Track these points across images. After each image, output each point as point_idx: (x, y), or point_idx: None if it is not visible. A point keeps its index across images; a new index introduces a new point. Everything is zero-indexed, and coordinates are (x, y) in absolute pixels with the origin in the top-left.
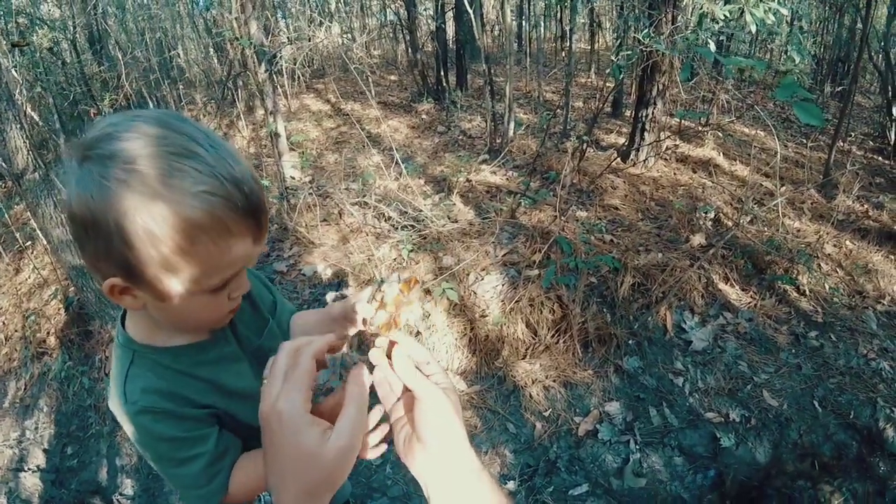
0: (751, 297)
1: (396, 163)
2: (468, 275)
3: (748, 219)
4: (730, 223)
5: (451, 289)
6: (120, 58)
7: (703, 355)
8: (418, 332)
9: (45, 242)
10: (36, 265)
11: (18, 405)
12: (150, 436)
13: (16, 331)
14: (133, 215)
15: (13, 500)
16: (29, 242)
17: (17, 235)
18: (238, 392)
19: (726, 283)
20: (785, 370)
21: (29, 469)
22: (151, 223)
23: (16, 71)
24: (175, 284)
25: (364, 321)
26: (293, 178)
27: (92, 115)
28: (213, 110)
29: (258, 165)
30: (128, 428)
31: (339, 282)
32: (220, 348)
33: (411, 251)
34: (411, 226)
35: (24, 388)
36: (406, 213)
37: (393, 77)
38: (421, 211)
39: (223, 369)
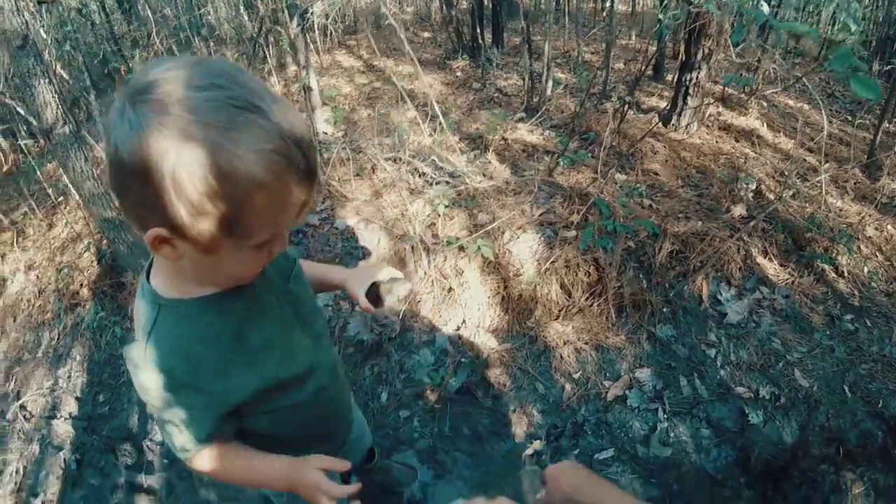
0: (789, 273)
1: (431, 119)
2: (503, 233)
3: (790, 193)
4: (771, 196)
5: (487, 246)
6: (150, 16)
7: (737, 328)
8: (451, 289)
9: (77, 197)
10: (69, 220)
11: (52, 355)
12: (157, 395)
13: (49, 284)
14: (190, 167)
15: (45, 447)
16: (61, 198)
17: (50, 192)
18: (262, 345)
19: (765, 258)
20: (818, 351)
21: (61, 416)
22: (210, 177)
23: (44, 30)
24: (224, 239)
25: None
26: (325, 132)
27: (122, 73)
28: (244, 67)
29: None
30: (138, 378)
31: (370, 237)
32: (247, 297)
33: (446, 207)
34: (446, 182)
35: (58, 339)
36: (441, 168)
37: (426, 34)
38: (456, 167)
39: (249, 319)
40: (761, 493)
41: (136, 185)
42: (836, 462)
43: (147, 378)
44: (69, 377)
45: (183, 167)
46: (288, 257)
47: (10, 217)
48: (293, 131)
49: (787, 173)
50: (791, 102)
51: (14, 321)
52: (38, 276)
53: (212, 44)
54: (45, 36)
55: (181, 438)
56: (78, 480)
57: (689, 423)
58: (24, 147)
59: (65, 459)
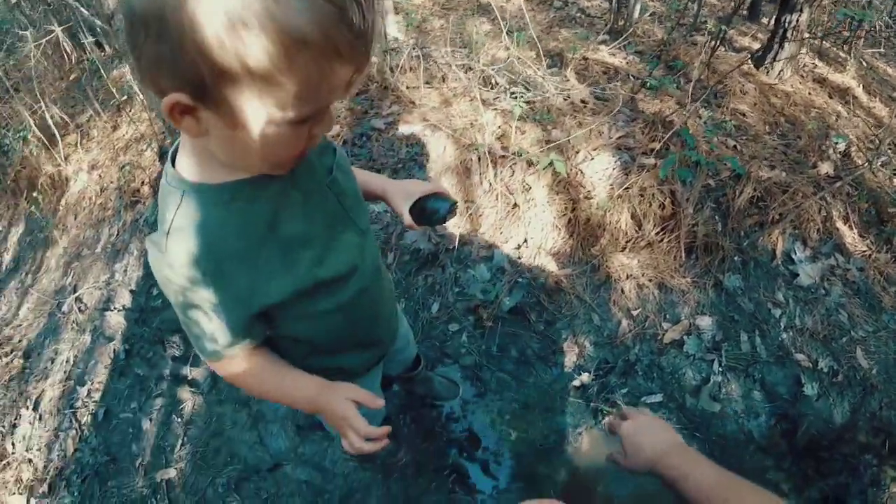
0: (867, 245)
1: (508, 31)
2: (577, 152)
3: (880, 161)
4: (860, 161)
5: (559, 160)
6: None
7: (806, 292)
8: (515, 205)
9: (141, 97)
10: (133, 119)
11: (110, 250)
12: (179, 290)
13: (111, 182)
14: (217, 13)
15: (96, 338)
16: (125, 98)
17: (115, 94)
18: (299, 239)
19: (845, 224)
20: (883, 333)
21: (115, 308)
22: (241, 27)
23: None
24: (255, 109)
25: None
26: (396, 38)
27: None
28: None
29: None
30: (160, 270)
31: (436, 144)
32: (284, 183)
33: (519, 119)
34: (521, 94)
35: (117, 234)
36: (516, 80)
37: None
38: (531, 81)
39: (286, 208)
40: (801, 469)
41: (151, 39)
42: (880, 454)
43: (169, 270)
44: (125, 271)
45: (204, 12)
46: (329, 144)
47: (75, 120)
48: None
49: (880, 140)
50: (890, 70)
51: (75, 219)
52: (100, 175)
53: None
54: None
55: (204, 340)
56: (125, 370)
57: (742, 381)
58: (88, 47)
59: (114, 350)
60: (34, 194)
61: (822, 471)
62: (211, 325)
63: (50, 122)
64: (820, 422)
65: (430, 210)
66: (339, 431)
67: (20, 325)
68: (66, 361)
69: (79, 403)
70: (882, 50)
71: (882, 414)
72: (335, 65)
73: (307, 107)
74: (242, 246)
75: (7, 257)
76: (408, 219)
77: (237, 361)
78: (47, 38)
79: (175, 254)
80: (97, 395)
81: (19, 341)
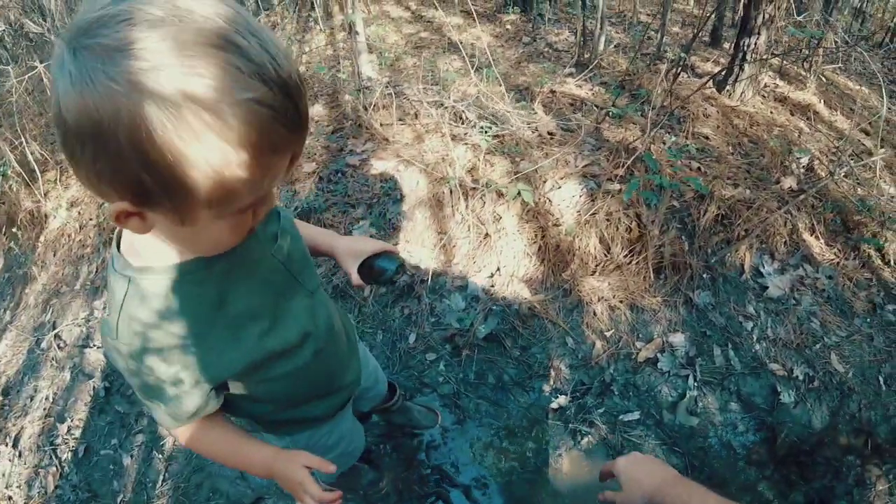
0: (834, 254)
1: (477, 68)
2: (545, 181)
3: (843, 172)
4: (823, 173)
5: (527, 190)
6: None
7: (776, 303)
8: (487, 235)
9: None
10: None
11: (89, 287)
12: (133, 374)
13: (90, 219)
14: (154, 129)
15: (76, 374)
16: None
17: None
18: (247, 314)
19: (811, 235)
20: (857, 337)
21: (94, 345)
22: (177, 140)
23: None
24: (201, 209)
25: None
26: (370, 77)
27: None
28: (292, 14)
29: (335, 66)
30: (112, 356)
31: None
32: (228, 260)
33: (488, 152)
34: (489, 128)
35: (96, 272)
36: (485, 115)
37: None
38: (500, 115)
39: (232, 285)
40: (784, 476)
41: (87, 153)
42: (862, 454)
43: (120, 354)
44: (104, 308)
45: (140, 128)
46: (273, 209)
47: (55, 157)
48: (278, 71)
49: (841, 151)
50: (850, 84)
51: (54, 255)
52: (79, 212)
53: None
54: None
55: (159, 412)
56: (105, 407)
57: (718, 394)
58: None
59: (94, 387)
60: (13, 230)
61: (806, 475)
62: (166, 401)
63: (30, 157)
64: (799, 428)
65: (378, 270)
66: (295, 496)
67: None
68: (46, 398)
69: (59, 440)
70: (840, 65)
71: (861, 415)
72: (273, 159)
73: (249, 199)
74: (191, 327)
75: None
76: (356, 278)
77: (194, 430)
78: (29, 75)
79: (126, 338)
80: (77, 432)
81: None
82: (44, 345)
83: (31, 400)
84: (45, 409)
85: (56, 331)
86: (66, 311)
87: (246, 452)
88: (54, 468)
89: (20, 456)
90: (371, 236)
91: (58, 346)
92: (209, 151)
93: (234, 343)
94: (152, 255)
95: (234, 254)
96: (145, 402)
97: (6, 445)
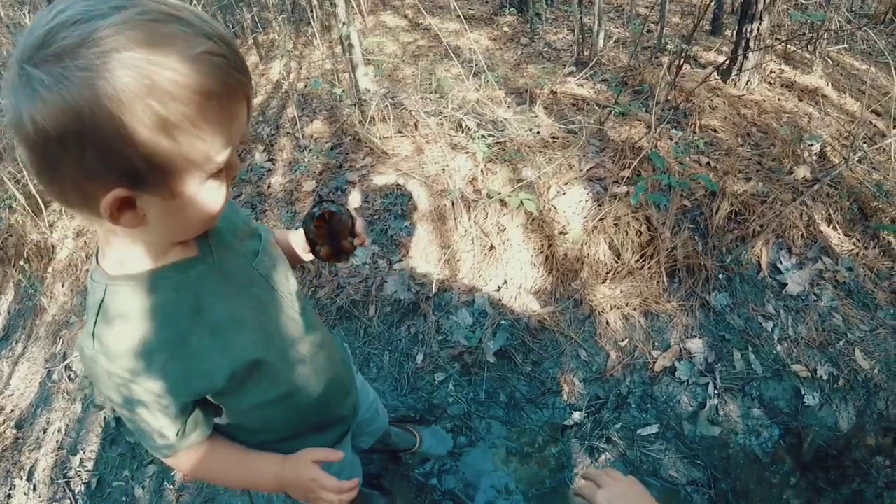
0: (853, 244)
1: (476, 73)
2: (549, 188)
3: (857, 157)
4: (837, 159)
5: (530, 199)
6: None
7: (796, 301)
8: (492, 247)
9: None
10: None
11: None
12: (113, 389)
13: (97, 248)
14: (132, 101)
15: (87, 405)
16: None
17: None
18: (228, 320)
19: (828, 225)
20: (881, 331)
21: None
22: (156, 104)
23: None
24: (189, 172)
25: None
26: (368, 90)
27: None
28: (289, 30)
29: (333, 79)
30: (91, 371)
31: (409, 192)
32: (206, 266)
33: (487, 161)
34: (490, 135)
35: None
36: (485, 122)
37: None
38: (500, 121)
39: (207, 291)
40: (811, 482)
41: (73, 152)
42: (892, 455)
43: (99, 369)
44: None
45: (121, 106)
46: (255, 229)
47: None
48: (217, 29)
49: (853, 135)
50: (857, 64)
51: (62, 286)
52: (85, 242)
53: (255, 9)
54: None
55: (153, 436)
56: (116, 438)
57: (740, 400)
58: None
59: (104, 418)
60: (21, 263)
61: (834, 480)
62: (155, 420)
63: (34, 190)
64: (825, 431)
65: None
66: (311, 495)
67: (12, 395)
68: (59, 430)
69: (72, 473)
70: (846, 45)
71: (889, 412)
72: (235, 104)
73: (224, 152)
74: (169, 333)
75: None
76: (302, 242)
77: (193, 453)
78: None
79: (105, 348)
80: (90, 464)
81: (11, 411)
82: (55, 376)
83: (44, 433)
84: (57, 442)
85: (66, 362)
86: (75, 342)
87: (253, 467)
88: (68, 501)
89: (35, 489)
90: (374, 254)
91: (68, 377)
92: (184, 107)
93: (216, 350)
94: (128, 263)
95: (211, 261)
96: (134, 427)
97: (21, 479)
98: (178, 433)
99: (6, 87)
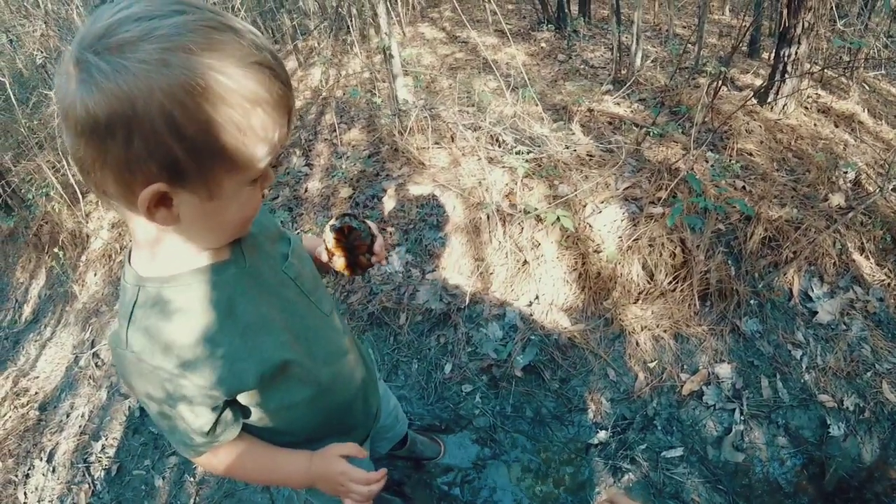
0: (885, 273)
1: (513, 89)
2: (585, 206)
3: (891, 186)
4: (871, 188)
5: (566, 216)
6: None
7: (826, 329)
8: (525, 262)
9: None
10: None
11: None
12: (144, 389)
13: (131, 240)
14: (181, 98)
15: (113, 394)
16: None
17: None
18: (258, 322)
19: (861, 254)
20: None
21: None
22: (206, 105)
23: None
24: (229, 175)
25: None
26: (406, 100)
27: None
28: (328, 38)
29: (371, 88)
30: (122, 370)
31: (445, 204)
32: (238, 267)
33: (525, 176)
34: (527, 150)
35: None
36: (522, 137)
37: (510, 5)
38: (537, 136)
39: (239, 292)
40: None
41: (120, 140)
42: None
43: (131, 369)
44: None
45: (173, 100)
46: (284, 233)
47: None
48: (266, 43)
49: (889, 164)
50: (894, 90)
51: (95, 275)
52: (119, 234)
53: (296, 16)
54: None
55: (182, 436)
56: (140, 428)
57: (766, 428)
58: None
59: (129, 407)
60: (55, 250)
61: None
62: (186, 419)
63: (72, 180)
64: (849, 462)
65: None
66: (341, 488)
67: (37, 377)
68: (82, 416)
69: (93, 458)
70: (883, 71)
71: None
72: (281, 115)
73: (265, 160)
74: (202, 333)
75: (27, 309)
76: (330, 240)
77: (223, 452)
78: None
79: (137, 346)
80: (111, 451)
81: (36, 393)
82: (82, 363)
83: (67, 417)
84: (80, 427)
85: (94, 349)
86: (104, 331)
87: (282, 461)
88: (87, 485)
89: (54, 471)
90: (407, 262)
91: (95, 364)
92: (233, 112)
93: (246, 351)
94: (161, 265)
95: (243, 264)
96: (165, 426)
97: (41, 460)
98: (208, 433)
99: (62, 73)
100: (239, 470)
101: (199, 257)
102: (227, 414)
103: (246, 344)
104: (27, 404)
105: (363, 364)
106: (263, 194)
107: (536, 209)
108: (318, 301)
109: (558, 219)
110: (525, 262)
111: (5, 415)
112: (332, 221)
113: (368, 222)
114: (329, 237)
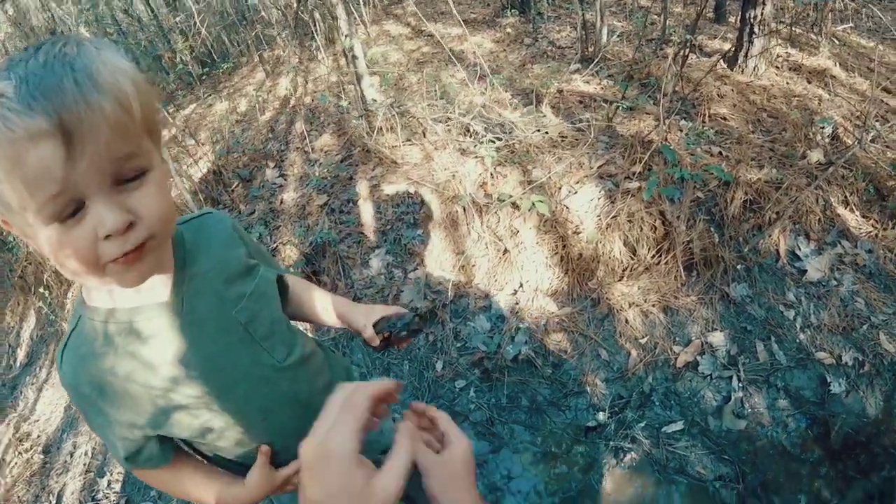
0: (871, 225)
1: (481, 77)
2: (560, 188)
3: (870, 137)
4: (850, 140)
5: (542, 201)
6: (193, 7)
7: (817, 287)
8: (506, 251)
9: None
10: None
11: None
12: (75, 405)
13: None
14: None
15: None
16: None
17: None
18: (180, 374)
19: (845, 208)
20: None
21: None
22: None
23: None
24: (15, 215)
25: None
26: (374, 100)
27: (166, 58)
28: (293, 46)
29: (339, 92)
30: (65, 389)
31: (421, 200)
32: (174, 311)
33: (498, 164)
34: (497, 138)
35: None
36: (490, 126)
37: None
38: (507, 123)
39: (168, 337)
40: (841, 471)
41: None
42: None
43: (65, 387)
44: None
45: None
46: (253, 267)
47: None
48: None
49: (865, 115)
50: (864, 41)
51: None
52: None
53: (258, 27)
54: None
55: (112, 449)
56: None
57: (765, 392)
58: None
59: None
60: (41, 290)
61: (864, 468)
62: (112, 438)
63: None
64: (853, 418)
65: (393, 320)
66: (289, 487)
67: (38, 421)
68: (85, 454)
69: (100, 495)
70: (852, 24)
71: None
72: (14, 148)
73: (35, 200)
74: (119, 381)
75: (21, 353)
76: (370, 333)
77: (149, 476)
78: None
79: (65, 373)
80: (117, 486)
81: (38, 436)
82: None
83: (71, 457)
84: (84, 465)
85: None
86: None
87: (229, 483)
88: None
89: None
90: (388, 264)
91: None
92: None
93: (164, 403)
94: (92, 295)
95: (178, 310)
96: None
97: (50, 503)
98: (127, 459)
99: None
100: (173, 492)
101: (127, 295)
102: (152, 446)
103: (169, 398)
104: (31, 448)
105: (324, 390)
106: (100, 235)
107: (511, 196)
108: (271, 348)
109: (534, 204)
110: (505, 250)
111: (11, 462)
112: (388, 325)
113: (421, 325)
114: (384, 331)
